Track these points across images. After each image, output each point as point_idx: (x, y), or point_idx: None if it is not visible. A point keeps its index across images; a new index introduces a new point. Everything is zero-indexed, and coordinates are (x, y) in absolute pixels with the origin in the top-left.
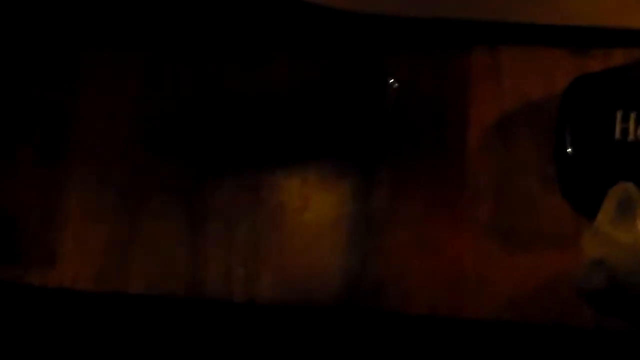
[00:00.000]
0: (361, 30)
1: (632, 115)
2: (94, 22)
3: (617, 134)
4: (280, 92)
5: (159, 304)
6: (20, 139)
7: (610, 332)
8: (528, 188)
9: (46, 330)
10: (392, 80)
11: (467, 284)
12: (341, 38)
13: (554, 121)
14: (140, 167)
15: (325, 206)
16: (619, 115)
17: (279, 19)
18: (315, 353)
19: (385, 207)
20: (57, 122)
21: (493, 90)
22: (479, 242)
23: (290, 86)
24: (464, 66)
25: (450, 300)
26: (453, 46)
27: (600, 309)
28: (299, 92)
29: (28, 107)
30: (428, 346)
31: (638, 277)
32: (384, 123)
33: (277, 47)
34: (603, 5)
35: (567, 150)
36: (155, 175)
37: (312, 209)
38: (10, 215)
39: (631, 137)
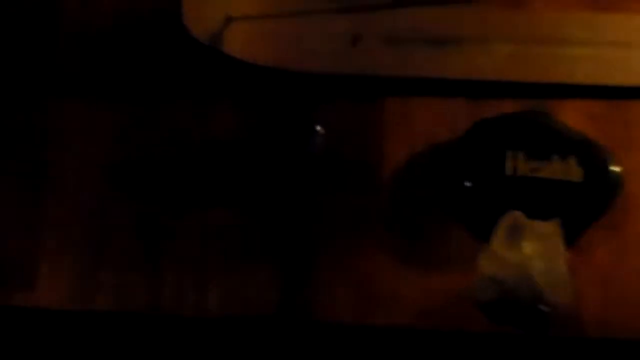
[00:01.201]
0: (294, 84)
1: (520, 155)
2: (66, 79)
3: (508, 170)
4: (224, 139)
5: (123, 319)
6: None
7: (502, 336)
8: (435, 218)
9: (26, 345)
10: (318, 127)
11: (385, 300)
12: (277, 91)
13: (455, 160)
14: (107, 206)
15: (263, 236)
16: (509, 154)
17: (224, 75)
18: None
19: (316, 233)
20: (33, 170)
21: (405, 135)
22: (395, 265)
23: (234, 133)
24: (381, 115)
25: (370, 312)
26: (371, 98)
27: (493, 318)
28: (241, 138)
29: (7, 157)
30: (352, 350)
31: (524, 290)
32: (313, 164)
33: (222, 100)
34: (496, 61)
35: (466, 184)
36: (119, 212)
37: (252, 238)
38: None
39: (519, 173)
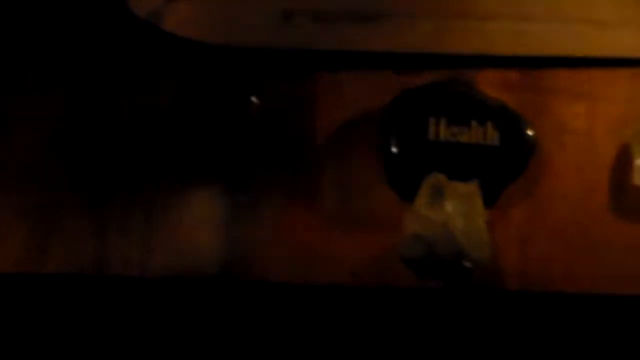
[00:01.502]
0: (231, 59)
1: (442, 121)
2: (13, 56)
3: (431, 135)
4: (166, 112)
5: (70, 281)
6: None
7: (428, 290)
8: (364, 181)
9: None
10: (254, 98)
11: (318, 259)
12: (216, 66)
13: (382, 127)
14: (56, 177)
15: (204, 201)
16: (431, 120)
17: (166, 52)
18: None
19: (252, 200)
20: None
21: (337, 105)
22: (326, 226)
23: (175, 106)
24: (314, 87)
25: (304, 271)
26: (304, 71)
27: (419, 273)
28: (182, 111)
29: None
30: (286, 307)
31: (447, 247)
32: (250, 133)
33: (164, 75)
34: (421, 35)
35: (392, 149)
36: (67, 181)
37: (191, 205)
38: None
39: (441, 137)
